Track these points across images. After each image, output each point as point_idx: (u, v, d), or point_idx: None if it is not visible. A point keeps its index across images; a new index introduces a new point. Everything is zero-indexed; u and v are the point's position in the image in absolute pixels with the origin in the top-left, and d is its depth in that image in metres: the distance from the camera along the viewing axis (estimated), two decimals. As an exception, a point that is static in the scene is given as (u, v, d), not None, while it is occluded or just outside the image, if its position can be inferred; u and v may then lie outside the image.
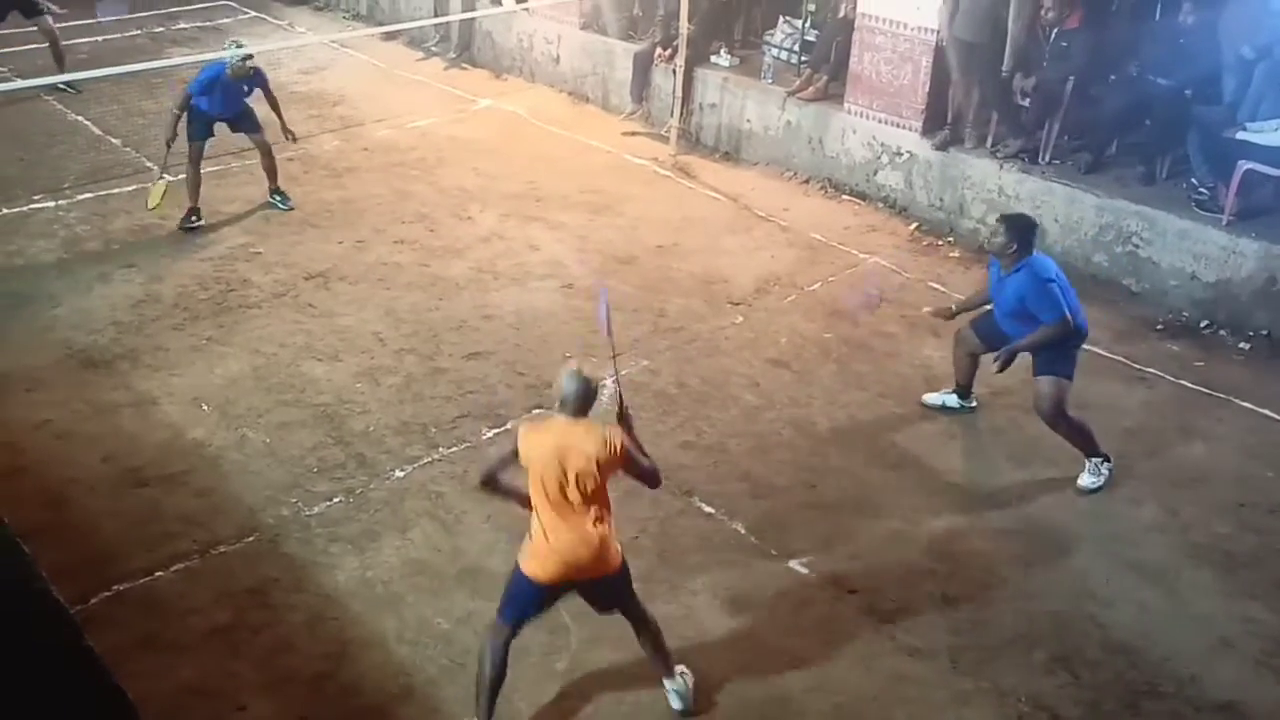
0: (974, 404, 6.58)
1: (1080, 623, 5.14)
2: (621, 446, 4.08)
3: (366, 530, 5.46)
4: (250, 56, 8.09)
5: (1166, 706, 4.72)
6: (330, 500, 5.64)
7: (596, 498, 4.09)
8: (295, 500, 5.62)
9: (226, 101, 8.15)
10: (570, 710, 4.60)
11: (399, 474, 5.85)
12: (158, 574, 5.10)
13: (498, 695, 4.32)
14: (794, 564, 5.40)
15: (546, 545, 4.10)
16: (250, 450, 5.97)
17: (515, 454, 4.12)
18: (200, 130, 8.16)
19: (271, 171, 8.61)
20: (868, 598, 5.22)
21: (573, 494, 4.04)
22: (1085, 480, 5.99)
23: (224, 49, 8.12)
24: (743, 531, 5.59)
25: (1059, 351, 5.80)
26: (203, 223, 8.26)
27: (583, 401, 4.09)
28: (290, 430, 6.14)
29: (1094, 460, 5.99)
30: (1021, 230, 5.75)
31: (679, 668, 4.59)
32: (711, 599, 5.15)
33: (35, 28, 10.23)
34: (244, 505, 5.57)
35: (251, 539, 5.36)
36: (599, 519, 4.11)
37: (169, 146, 8.00)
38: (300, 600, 5.02)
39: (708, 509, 5.73)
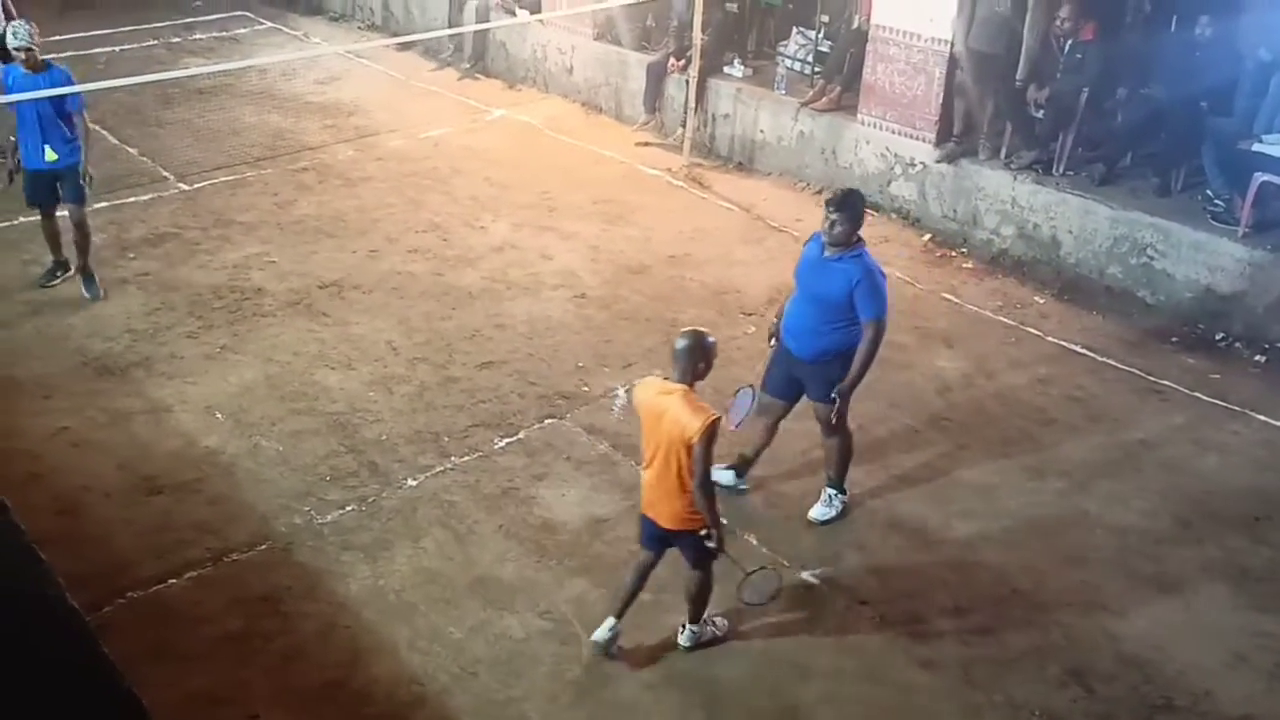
0: (745, 486, 5.90)
1: (1093, 635, 5.11)
2: (700, 437, 4.31)
3: (379, 539, 5.46)
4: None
5: (1181, 721, 4.70)
6: (343, 509, 5.65)
7: (673, 460, 4.40)
8: (308, 509, 5.64)
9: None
10: (581, 720, 4.60)
11: (411, 483, 5.87)
12: (170, 582, 5.12)
13: (634, 596, 4.86)
14: (806, 575, 5.39)
15: (643, 483, 4.63)
16: (263, 458, 5.99)
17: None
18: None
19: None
20: (879, 609, 5.20)
21: (657, 449, 4.45)
22: (818, 511, 5.69)
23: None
24: (755, 542, 5.58)
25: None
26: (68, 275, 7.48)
27: (685, 359, 4.41)
28: (303, 439, 6.16)
29: (834, 491, 5.71)
30: (861, 214, 5.24)
31: (711, 622, 4.97)
32: (723, 610, 5.13)
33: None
34: (257, 513, 5.59)
35: (264, 547, 5.37)
36: (673, 479, 4.43)
37: None
38: (312, 608, 5.03)
39: (721, 520, 5.71)
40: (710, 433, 4.34)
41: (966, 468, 6.21)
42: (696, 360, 4.43)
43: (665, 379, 4.57)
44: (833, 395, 5.34)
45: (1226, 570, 5.53)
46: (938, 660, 4.94)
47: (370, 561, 5.32)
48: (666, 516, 4.58)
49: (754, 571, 4.78)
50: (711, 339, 4.49)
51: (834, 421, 5.49)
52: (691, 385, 4.45)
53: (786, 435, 6.34)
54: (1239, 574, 5.50)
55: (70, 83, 6.98)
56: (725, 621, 5.03)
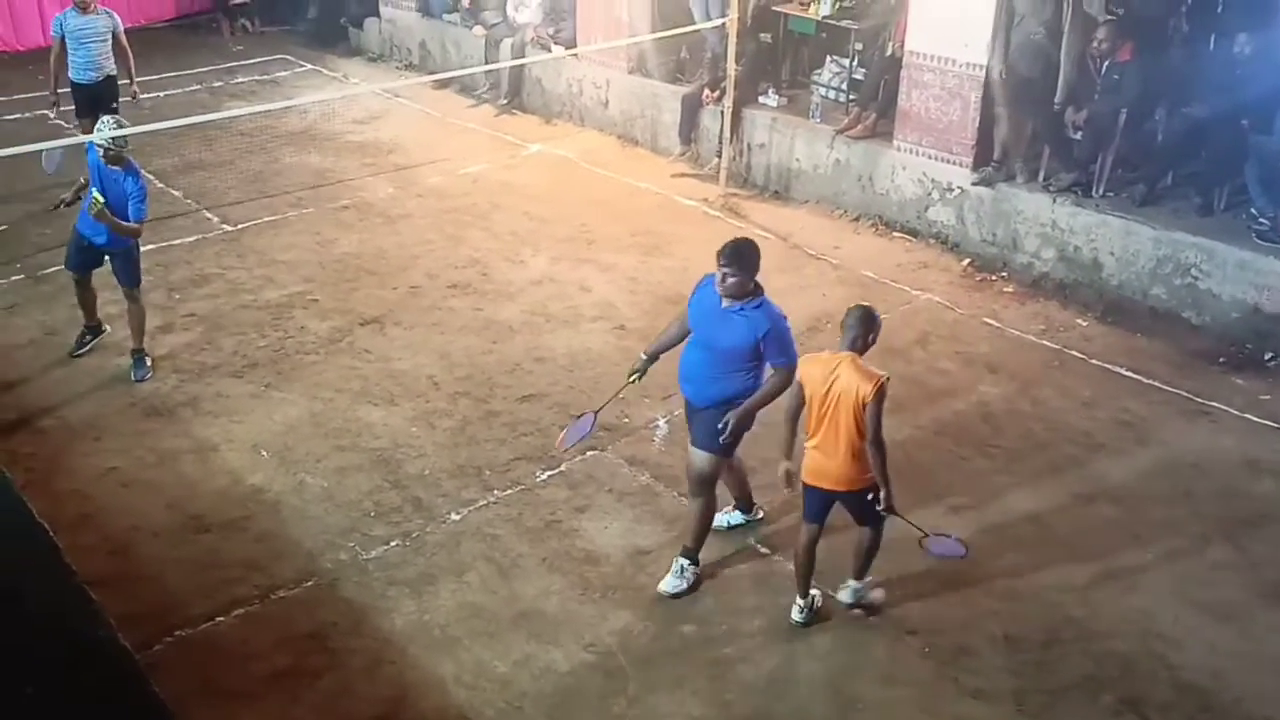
0: (759, 515, 5.85)
1: (1149, 664, 5.02)
2: (873, 397, 4.71)
3: (423, 574, 5.48)
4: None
5: (1241, 751, 4.60)
6: (387, 544, 5.68)
7: (845, 423, 4.77)
8: (353, 544, 5.67)
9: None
10: (628, 755, 4.57)
11: (455, 517, 5.88)
12: (219, 619, 5.15)
13: (811, 574, 5.19)
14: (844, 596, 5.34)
15: (807, 456, 4.97)
16: (308, 495, 6.03)
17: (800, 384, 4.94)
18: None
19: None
20: (928, 638, 5.14)
21: (825, 417, 4.83)
22: (669, 584, 5.35)
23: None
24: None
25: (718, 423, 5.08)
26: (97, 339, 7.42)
27: (856, 328, 4.82)
28: (347, 475, 6.20)
29: (685, 561, 5.38)
30: (755, 264, 5.00)
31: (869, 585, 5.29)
32: (769, 641, 5.10)
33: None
34: (303, 550, 5.63)
35: (310, 583, 5.41)
36: (844, 443, 4.80)
37: None
38: (359, 644, 5.05)
39: (763, 550, 5.69)
40: (882, 393, 4.72)
41: (1014, 494, 6.14)
42: (866, 331, 4.84)
43: (827, 353, 4.93)
44: (720, 425, 5.04)
45: (1284, 595, 5.42)
46: (989, 691, 4.86)
47: (415, 596, 5.33)
48: (835, 479, 4.93)
49: (929, 536, 5.12)
50: (879, 315, 4.93)
51: (702, 477, 5.23)
52: (860, 354, 4.83)
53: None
54: (1297, 599, 5.39)
55: (140, 188, 6.83)
56: (883, 594, 5.30)
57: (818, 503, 5.06)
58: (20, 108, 11.41)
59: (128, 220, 6.78)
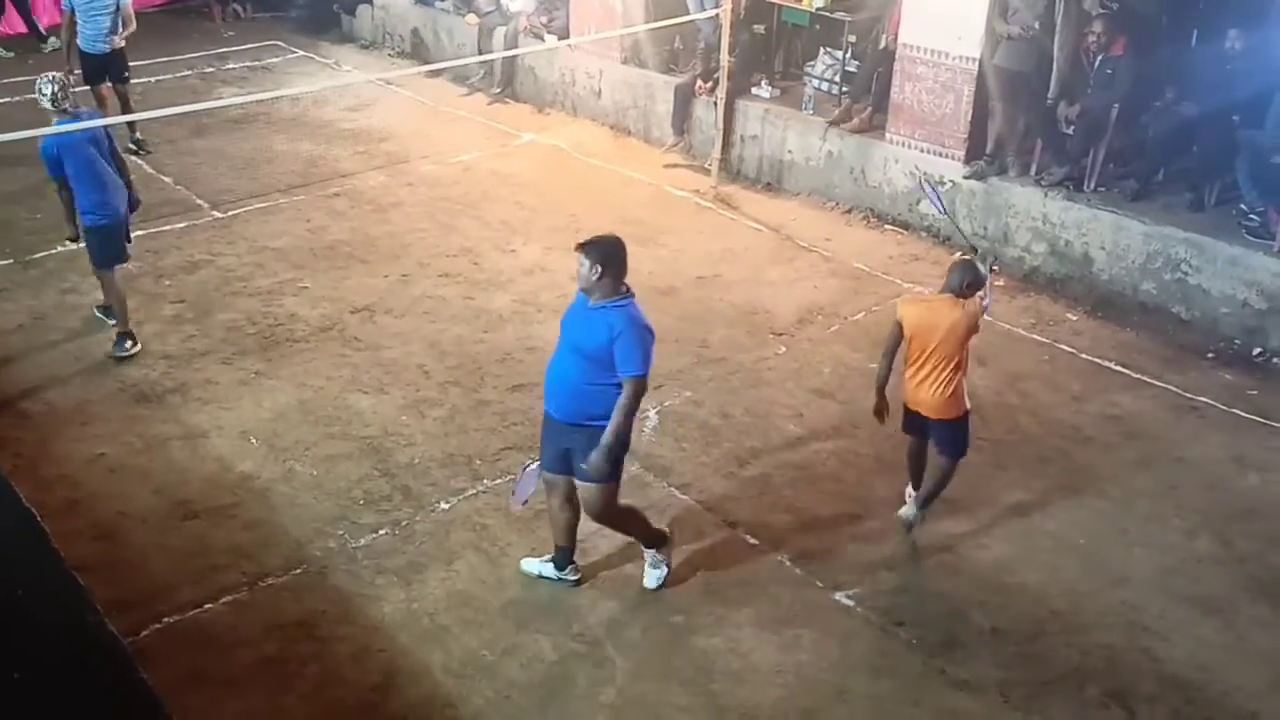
0: (575, 577, 5.35)
1: (1134, 657, 5.04)
2: (978, 322, 5.37)
3: (412, 562, 5.48)
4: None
5: (1225, 743, 4.62)
6: (376, 532, 5.67)
7: (949, 355, 5.34)
8: (342, 532, 5.66)
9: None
10: (616, 744, 4.58)
11: (444, 506, 5.88)
12: (207, 606, 5.15)
13: (922, 472, 5.71)
14: (840, 596, 5.35)
15: (910, 387, 5.48)
16: (297, 483, 6.03)
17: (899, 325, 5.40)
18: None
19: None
20: (916, 630, 5.16)
21: (926, 351, 5.34)
22: (651, 578, 5.31)
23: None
24: (788, 563, 5.55)
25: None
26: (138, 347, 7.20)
27: (961, 274, 5.32)
28: (337, 463, 6.19)
29: (654, 551, 5.31)
30: (617, 260, 4.83)
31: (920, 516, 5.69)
32: (757, 631, 5.11)
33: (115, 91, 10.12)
34: (291, 538, 5.62)
35: (299, 571, 5.40)
36: (946, 373, 5.37)
37: None
38: (347, 632, 5.05)
39: (752, 540, 5.70)
40: (978, 325, 5.38)
41: (1002, 487, 6.16)
42: (967, 278, 5.31)
43: (929, 294, 5.53)
44: (584, 465, 4.80)
45: (1270, 589, 5.44)
46: (976, 682, 4.88)
47: (404, 585, 5.33)
48: (930, 408, 5.43)
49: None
50: (982, 269, 5.41)
51: (600, 510, 5.02)
52: (958, 299, 5.30)
53: (820, 469, 6.32)
54: (1283, 593, 5.42)
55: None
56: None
57: (917, 421, 5.58)
58: (8, 92, 11.34)
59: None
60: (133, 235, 7.37)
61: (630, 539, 5.39)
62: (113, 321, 7.21)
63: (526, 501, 5.33)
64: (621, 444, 4.82)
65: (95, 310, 7.48)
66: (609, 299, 4.79)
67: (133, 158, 10.00)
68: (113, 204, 6.93)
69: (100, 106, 9.56)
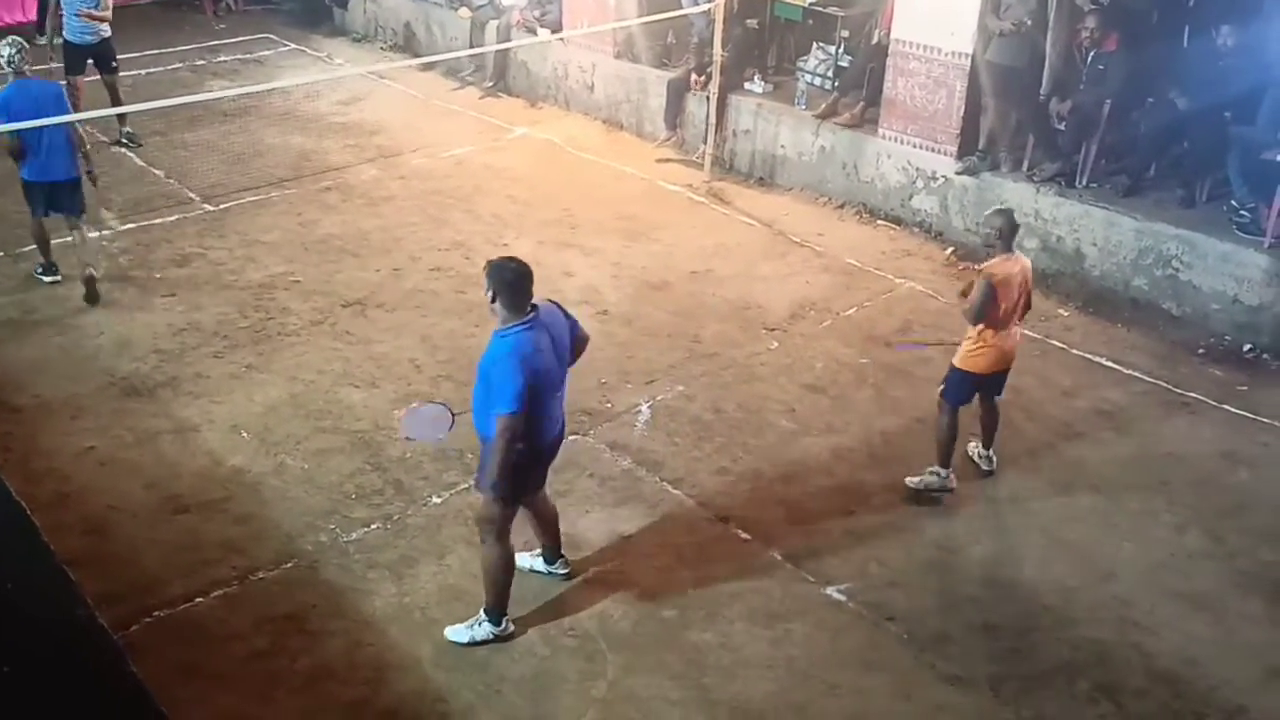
0: (565, 570, 5.33)
1: (1124, 651, 5.06)
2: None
3: (404, 556, 5.47)
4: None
5: (1214, 737, 4.64)
6: (368, 526, 5.67)
7: (1020, 309, 5.83)
8: (333, 526, 5.65)
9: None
10: (607, 738, 4.58)
11: (436, 500, 5.87)
12: (197, 600, 5.14)
13: (952, 450, 5.96)
14: (831, 590, 5.36)
15: (999, 351, 5.82)
16: (289, 477, 6.01)
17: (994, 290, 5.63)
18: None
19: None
20: (907, 625, 5.17)
21: (1014, 308, 5.74)
22: (457, 632, 4.96)
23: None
24: (779, 558, 5.56)
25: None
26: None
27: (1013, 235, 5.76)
28: (328, 457, 6.18)
29: (483, 617, 4.95)
30: (505, 284, 4.55)
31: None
32: (748, 626, 5.12)
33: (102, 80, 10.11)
34: (282, 532, 5.61)
35: (290, 565, 5.39)
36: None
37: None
38: (338, 626, 5.04)
39: (744, 535, 5.71)
40: None
41: (993, 482, 6.17)
42: (1012, 225, 5.76)
43: (1009, 259, 5.71)
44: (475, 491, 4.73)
45: (1260, 585, 5.47)
46: (966, 677, 4.89)
47: (395, 579, 5.32)
48: (1007, 359, 5.90)
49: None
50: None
51: (477, 518, 4.93)
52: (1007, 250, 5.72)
53: (813, 449, 6.35)
54: (1273, 589, 5.44)
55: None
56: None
57: (975, 389, 5.94)
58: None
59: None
60: (124, 228, 7.36)
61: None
62: (48, 279, 7.81)
63: (412, 438, 5.30)
64: (491, 483, 4.55)
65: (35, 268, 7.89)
66: (502, 326, 4.57)
67: (123, 150, 10.00)
68: (42, 165, 7.41)
69: (74, 96, 9.22)
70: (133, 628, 4.91)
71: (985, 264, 5.78)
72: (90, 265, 7.60)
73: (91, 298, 7.52)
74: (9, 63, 7.31)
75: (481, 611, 4.97)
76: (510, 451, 4.44)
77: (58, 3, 9.68)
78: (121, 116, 9.99)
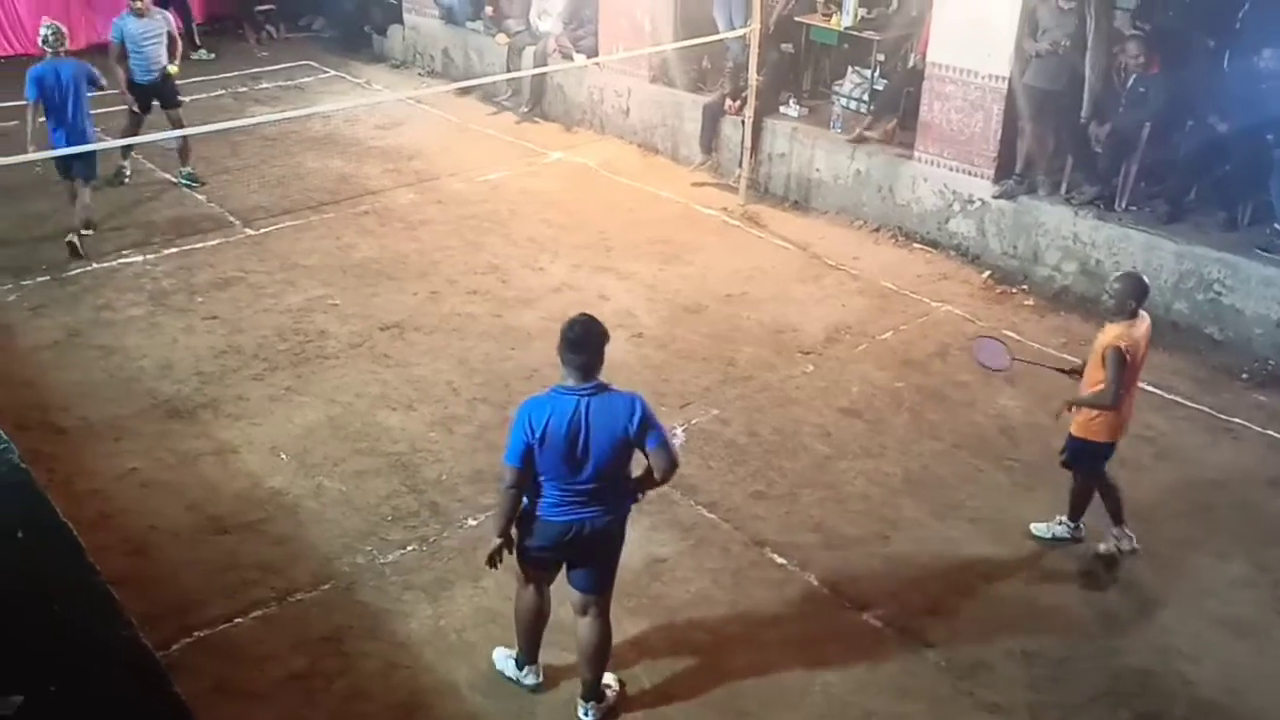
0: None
1: (1166, 680, 4.99)
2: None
3: (440, 578, 5.49)
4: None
5: (1260, 770, 4.56)
6: (404, 548, 5.70)
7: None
8: (370, 548, 5.69)
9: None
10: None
11: (472, 522, 5.90)
12: (236, 621, 5.18)
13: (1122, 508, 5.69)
14: (868, 616, 5.33)
15: (1122, 415, 5.49)
16: (326, 499, 6.06)
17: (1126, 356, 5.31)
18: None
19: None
20: (944, 652, 5.12)
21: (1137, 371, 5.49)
22: (500, 655, 4.90)
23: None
24: (815, 583, 5.53)
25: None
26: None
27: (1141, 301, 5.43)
28: (365, 479, 6.22)
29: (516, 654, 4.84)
30: (561, 336, 4.39)
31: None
32: (784, 652, 5.09)
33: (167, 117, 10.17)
34: (320, 553, 5.65)
35: (327, 586, 5.43)
36: None
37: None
38: (374, 648, 5.07)
39: (780, 560, 5.68)
40: None
41: (1032, 508, 6.11)
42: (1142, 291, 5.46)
43: (1135, 322, 5.41)
44: None
45: (1304, 614, 5.38)
46: (1005, 705, 4.84)
47: (431, 601, 5.35)
48: (1125, 426, 5.63)
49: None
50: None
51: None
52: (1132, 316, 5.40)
53: (848, 488, 6.29)
54: (1318, 618, 5.35)
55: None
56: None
57: (1106, 457, 5.61)
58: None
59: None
60: (166, 253, 7.46)
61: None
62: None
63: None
64: (495, 530, 4.46)
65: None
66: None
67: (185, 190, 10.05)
68: (68, 133, 8.50)
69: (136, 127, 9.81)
70: (173, 648, 4.96)
71: (1109, 331, 5.38)
72: (82, 225, 8.71)
73: (74, 253, 8.53)
74: (44, 43, 8.48)
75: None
76: (504, 495, 4.36)
77: (122, 45, 9.58)
78: (183, 156, 10.06)
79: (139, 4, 9.59)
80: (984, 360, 6.06)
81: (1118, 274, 5.57)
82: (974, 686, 4.93)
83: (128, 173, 10.08)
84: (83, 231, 8.71)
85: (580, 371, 4.29)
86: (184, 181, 10.09)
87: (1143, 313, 5.43)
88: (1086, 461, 5.61)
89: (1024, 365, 6.08)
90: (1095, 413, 5.42)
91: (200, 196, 9.90)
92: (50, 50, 8.45)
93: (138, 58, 9.68)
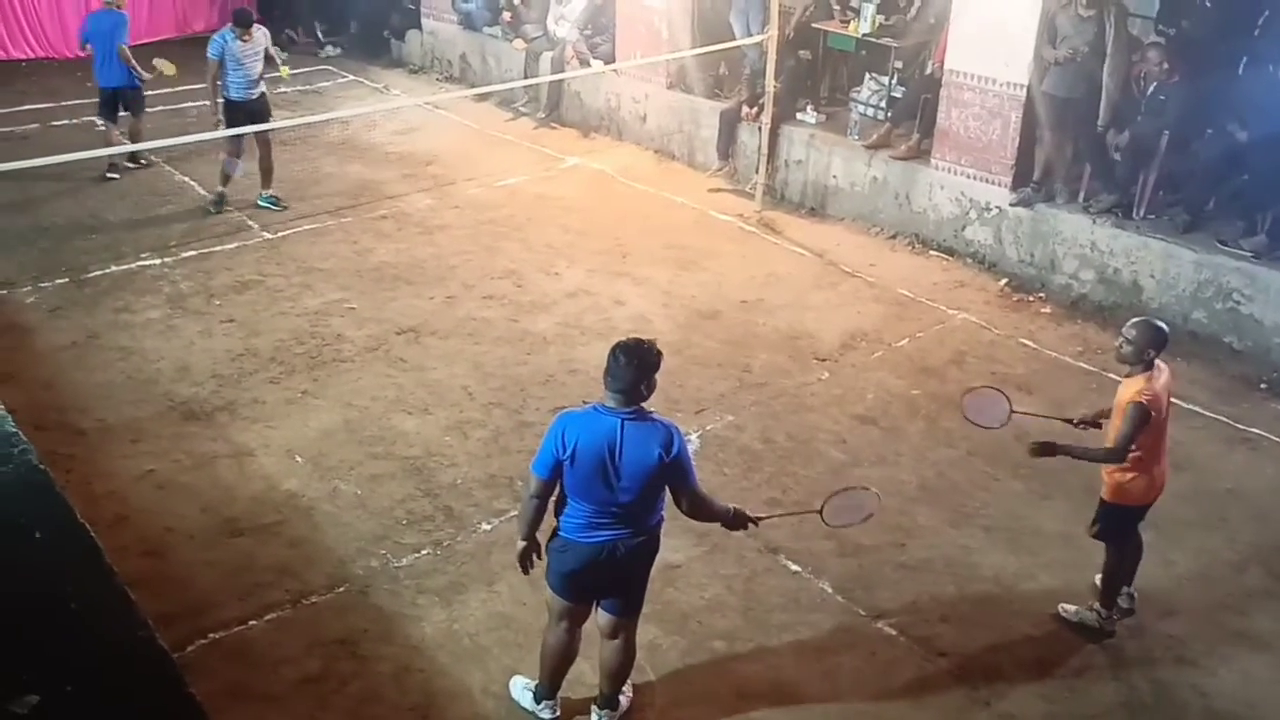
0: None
1: (1181, 691, 4.96)
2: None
3: (454, 583, 5.50)
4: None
5: (1276, 783, 4.53)
6: (419, 552, 5.71)
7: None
8: (384, 552, 5.71)
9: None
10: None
11: (486, 527, 5.91)
12: (251, 623, 5.20)
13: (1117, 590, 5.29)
14: (882, 625, 5.31)
15: (1155, 475, 5.05)
16: (341, 502, 6.08)
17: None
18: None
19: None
20: (959, 662, 5.10)
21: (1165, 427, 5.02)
22: (517, 684, 4.83)
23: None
24: (830, 590, 5.52)
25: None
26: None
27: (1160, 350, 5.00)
28: (380, 482, 6.24)
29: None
30: (608, 355, 4.29)
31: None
32: (797, 659, 5.08)
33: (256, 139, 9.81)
34: (335, 556, 5.67)
35: (342, 589, 5.44)
36: None
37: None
38: (388, 651, 5.08)
39: (794, 567, 5.68)
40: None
41: (1048, 517, 6.09)
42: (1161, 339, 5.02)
43: (1153, 375, 5.00)
44: None
45: (1323, 626, 5.34)
46: (1020, 715, 4.82)
47: (445, 605, 5.36)
48: (1161, 486, 5.14)
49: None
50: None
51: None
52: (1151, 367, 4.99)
53: (863, 480, 6.25)
54: (1336, 630, 5.31)
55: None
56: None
57: (1136, 520, 5.23)
58: (68, 114, 11.62)
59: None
60: (184, 255, 7.53)
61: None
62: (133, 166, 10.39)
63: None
64: (520, 534, 4.46)
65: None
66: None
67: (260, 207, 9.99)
68: (108, 74, 10.02)
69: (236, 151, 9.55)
70: (188, 649, 4.98)
71: (1129, 385, 4.99)
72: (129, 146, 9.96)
73: (114, 169, 10.13)
74: None
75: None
76: (526, 503, 4.35)
77: (219, 62, 9.27)
78: (266, 177, 9.78)
79: (246, 35, 9.26)
80: (976, 419, 5.51)
81: (1133, 320, 5.10)
82: (989, 695, 4.92)
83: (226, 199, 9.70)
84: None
85: (622, 395, 4.19)
86: (262, 203, 9.74)
87: (1160, 363, 4.99)
88: (1118, 526, 5.18)
89: (1024, 418, 5.65)
90: (1131, 474, 4.99)
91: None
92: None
93: (236, 75, 9.30)
